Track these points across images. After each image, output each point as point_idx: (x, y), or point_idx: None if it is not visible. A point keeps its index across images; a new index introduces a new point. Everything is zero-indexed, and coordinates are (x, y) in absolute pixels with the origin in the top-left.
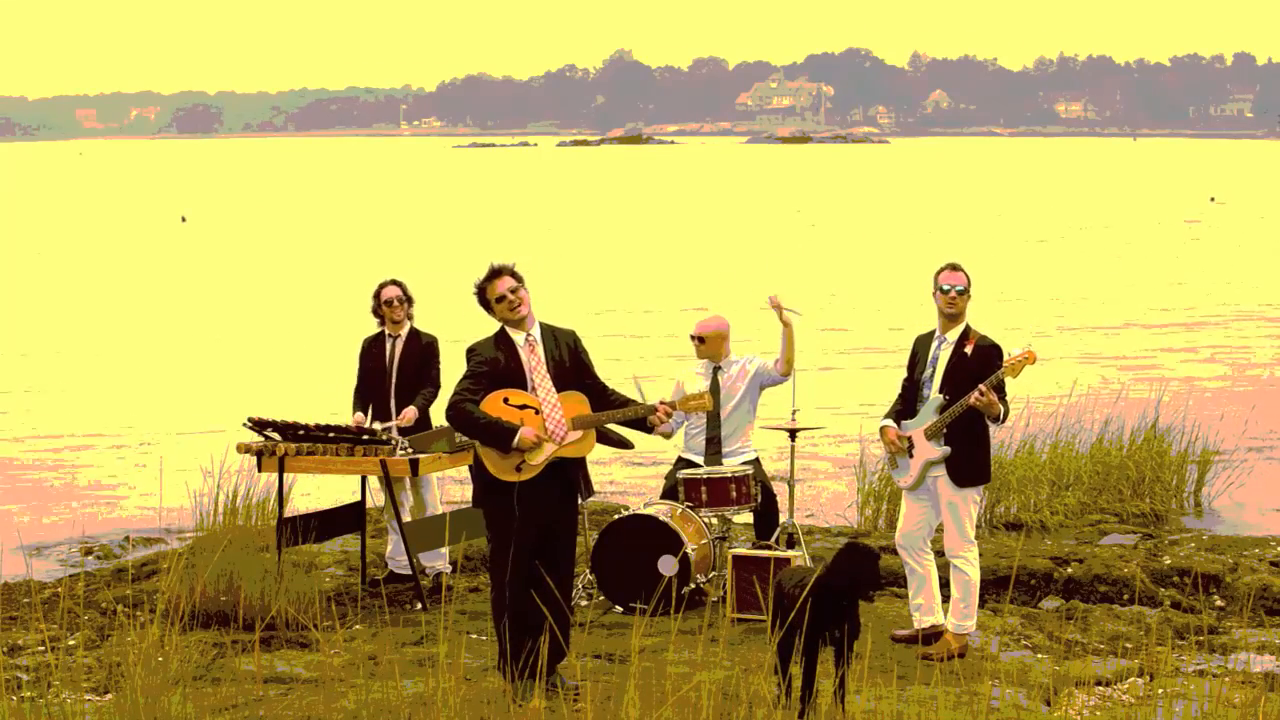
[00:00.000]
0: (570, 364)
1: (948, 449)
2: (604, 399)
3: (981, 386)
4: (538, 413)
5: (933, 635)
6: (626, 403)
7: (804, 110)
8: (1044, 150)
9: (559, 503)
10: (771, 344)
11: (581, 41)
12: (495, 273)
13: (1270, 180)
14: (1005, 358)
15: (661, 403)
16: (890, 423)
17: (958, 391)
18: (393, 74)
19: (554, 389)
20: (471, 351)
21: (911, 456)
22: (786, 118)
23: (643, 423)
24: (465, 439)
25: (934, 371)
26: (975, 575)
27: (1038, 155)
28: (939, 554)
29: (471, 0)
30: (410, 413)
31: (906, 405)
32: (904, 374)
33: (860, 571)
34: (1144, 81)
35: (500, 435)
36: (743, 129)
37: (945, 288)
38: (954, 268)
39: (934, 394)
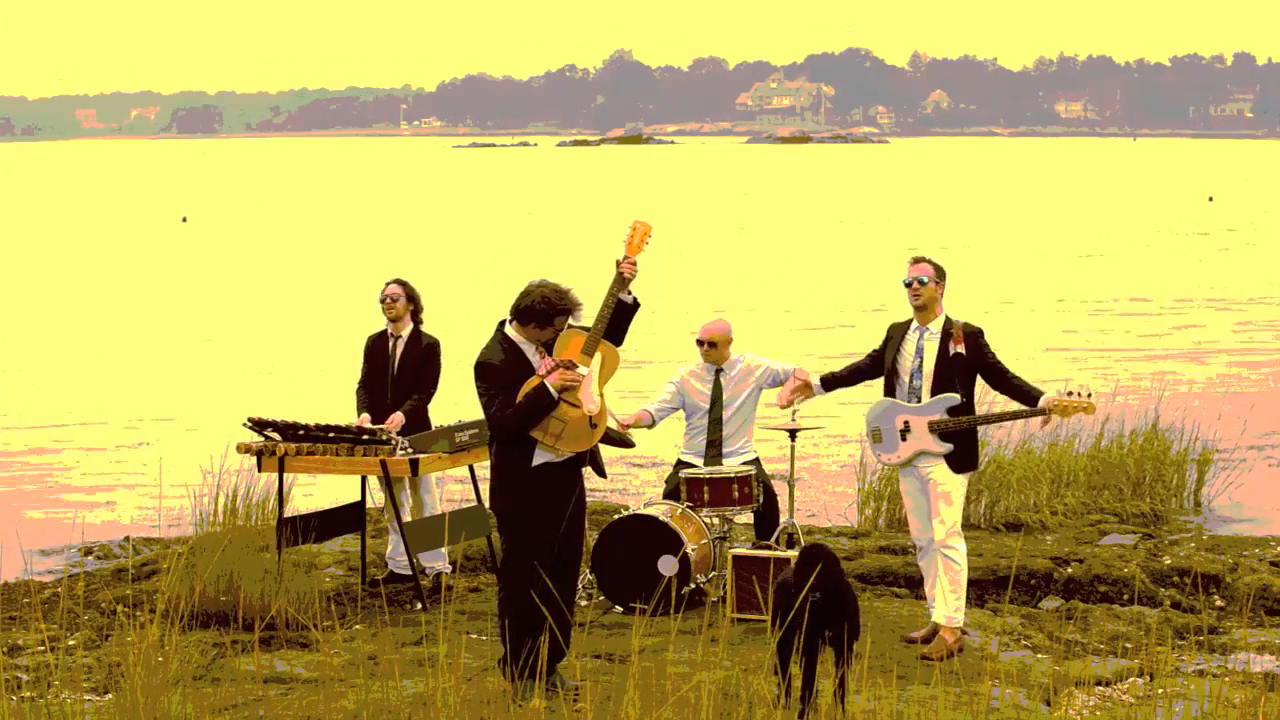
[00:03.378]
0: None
1: (949, 446)
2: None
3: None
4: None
5: (931, 635)
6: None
7: (804, 110)
8: (1044, 150)
9: (570, 493)
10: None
11: (581, 41)
12: (576, 308)
13: (1270, 180)
14: (1065, 395)
15: (618, 260)
16: (815, 379)
17: (962, 389)
18: (393, 74)
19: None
20: (484, 369)
21: (904, 440)
22: (786, 118)
23: (629, 311)
24: (466, 439)
25: (921, 363)
26: (965, 566)
27: (1038, 155)
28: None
29: (471, 0)
30: (396, 419)
31: (852, 376)
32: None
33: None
34: (1144, 81)
35: (539, 399)
36: (743, 129)
37: (908, 280)
38: (917, 260)
39: (927, 386)
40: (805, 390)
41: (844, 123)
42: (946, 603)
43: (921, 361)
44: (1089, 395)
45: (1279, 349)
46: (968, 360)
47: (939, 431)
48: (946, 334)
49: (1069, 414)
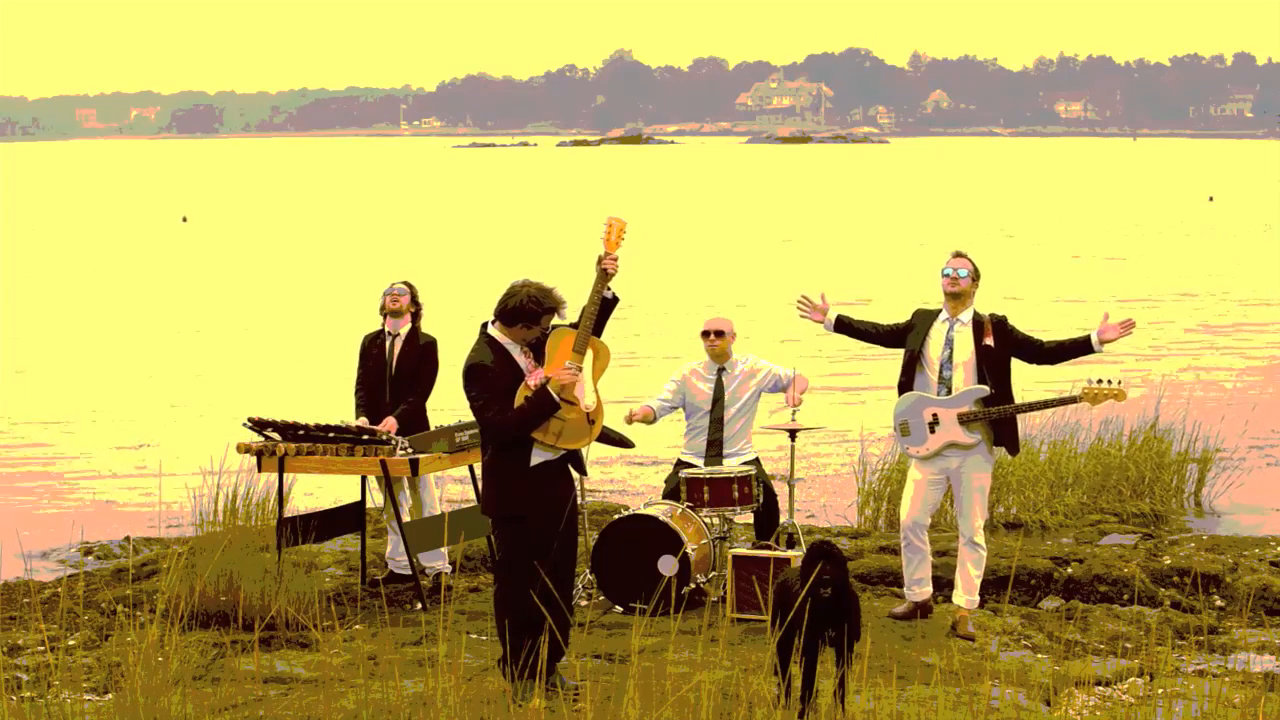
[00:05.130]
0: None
1: (979, 437)
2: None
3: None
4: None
5: (926, 608)
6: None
7: (804, 110)
8: (1044, 150)
9: (567, 492)
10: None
11: (581, 41)
12: (560, 306)
13: (1270, 180)
14: (1095, 384)
15: (600, 259)
16: (832, 314)
17: (995, 380)
18: (393, 74)
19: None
20: (477, 372)
21: (933, 433)
22: (786, 118)
23: (610, 306)
24: (466, 439)
25: (951, 353)
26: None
27: (1038, 155)
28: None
29: (471, 0)
30: (389, 423)
31: (863, 333)
32: (894, 326)
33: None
34: (1144, 81)
35: (542, 402)
36: (743, 129)
37: (949, 271)
38: (959, 254)
39: (959, 376)
40: (818, 312)
41: (844, 123)
42: (973, 588)
43: (952, 353)
44: (1119, 383)
45: (1278, 350)
46: (1000, 350)
47: (968, 423)
48: (978, 325)
49: (1100, 400)
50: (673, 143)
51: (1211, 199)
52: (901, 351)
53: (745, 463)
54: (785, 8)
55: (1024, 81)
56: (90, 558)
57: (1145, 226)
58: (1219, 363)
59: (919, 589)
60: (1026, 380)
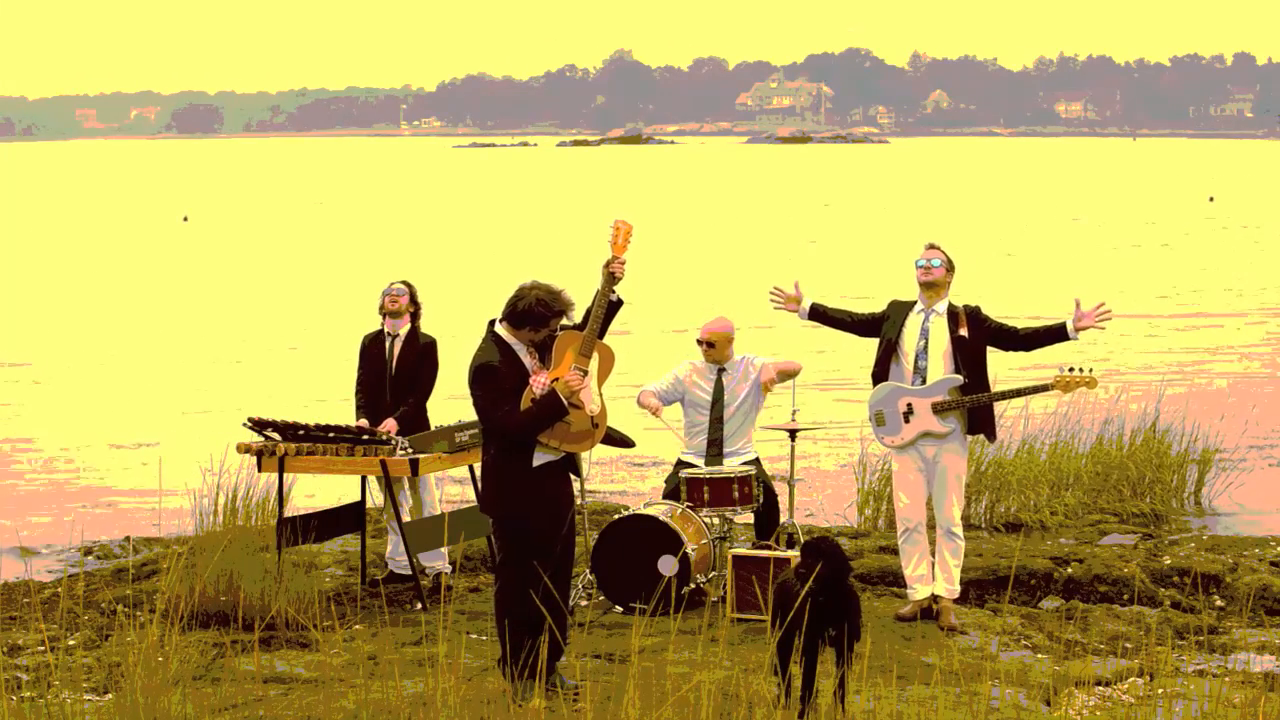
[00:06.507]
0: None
1: (954, 426)
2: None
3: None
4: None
5: (929, 610)
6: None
7: (804, 110)
8: (1044, 150)
9: (568, 492)
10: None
11: (581, 41)
12: (569, 308)
13: (1270, 180)
14: (1067, 372)
15: (607, 263)
16: (807, 302)
17: (970, 369)
18: (393, 74)
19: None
20: (487, 372)
21: (908, 422)
22: (786, 118)
23: (615, 309)
24: (466, 439)
25: (927, 343)
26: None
27: (1038, 155)
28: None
29: (471, 0)
30: (389, 424)
31: (838, 321)
32: (870, 315)
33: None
34: (1144, 81)
35: (550, 405)
36: (743, 129)
37: (922, 262)
38: (932, 246)
39: (934, 365)
40: (793, 301)
41: (844, 123)
42: (953, 578)
43: (927, 343)
44: (1090, 371)
45: (1279, 349)
46: (975, 340)
47: (942, 412)
48: (953, 316)
49: (1072, 389)
50: (673, 143)
51: (1212, 199)
52: (875, 341)
53: (745, 462)
54: (785, 8)
55: (1024, 81)
56: (90, 558)
57: (1145, 226)
58: (1219, 362)
59: (921, 585)
60: (1003, 370)
